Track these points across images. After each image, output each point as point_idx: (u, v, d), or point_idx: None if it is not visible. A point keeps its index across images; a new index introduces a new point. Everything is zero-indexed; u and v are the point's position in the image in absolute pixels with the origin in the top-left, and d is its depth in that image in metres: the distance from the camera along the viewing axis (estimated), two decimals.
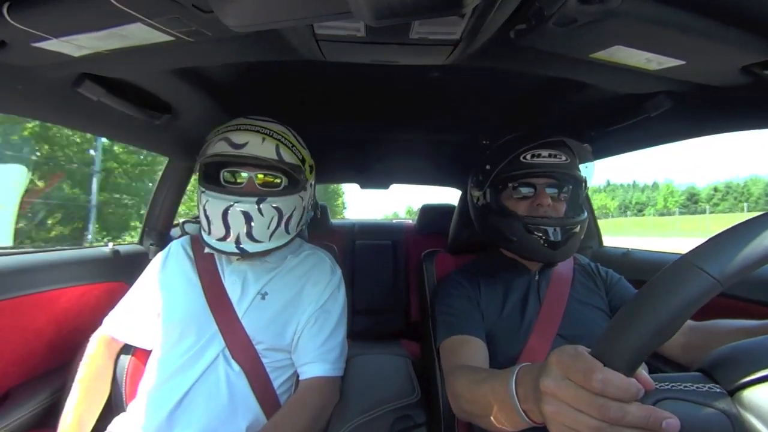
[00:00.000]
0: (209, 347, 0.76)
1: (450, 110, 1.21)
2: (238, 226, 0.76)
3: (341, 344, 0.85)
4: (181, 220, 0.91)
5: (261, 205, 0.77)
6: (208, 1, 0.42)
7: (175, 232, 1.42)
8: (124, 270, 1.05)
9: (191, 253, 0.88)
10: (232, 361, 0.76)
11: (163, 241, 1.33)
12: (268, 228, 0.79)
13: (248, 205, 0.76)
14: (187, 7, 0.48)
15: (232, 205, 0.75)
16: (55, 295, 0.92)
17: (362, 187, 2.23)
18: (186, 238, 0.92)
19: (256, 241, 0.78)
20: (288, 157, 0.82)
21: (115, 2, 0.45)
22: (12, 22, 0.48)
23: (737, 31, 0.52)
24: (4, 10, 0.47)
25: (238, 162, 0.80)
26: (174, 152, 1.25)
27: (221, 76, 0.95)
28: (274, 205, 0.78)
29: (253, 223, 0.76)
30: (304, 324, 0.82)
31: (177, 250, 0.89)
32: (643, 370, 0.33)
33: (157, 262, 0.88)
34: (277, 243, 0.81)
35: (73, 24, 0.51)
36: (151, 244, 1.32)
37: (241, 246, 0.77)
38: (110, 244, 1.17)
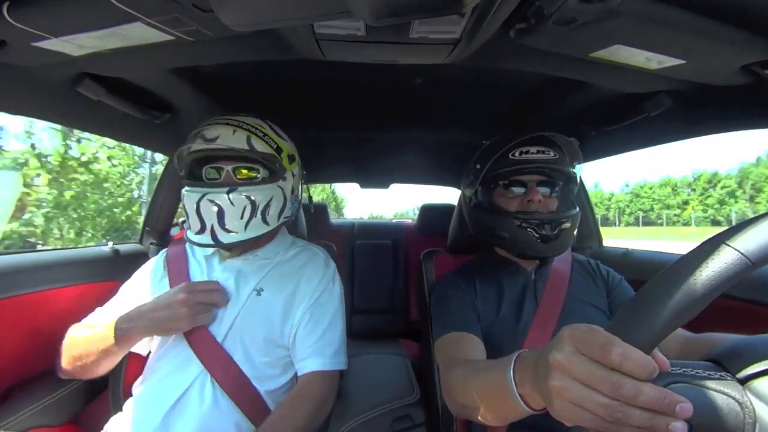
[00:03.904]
0: (192, 362, 0.75)
1: (450, 110, 1.21)
2: (210, 217, 0.76)
3: (339, 338, 0.84)
4: (181, 219, 0.91)
5: (230, 195, 0.76)
6: (208, 1, 0.42)
7: (175, 231, 1.42)
8: (124, 269, 1.04)
9: (165, 267, 0.87)
10: (213, 381, 0.74)
11: (163, 240, 1.33)
12: (242, 218, 0.78)
13: (218, 195, 0.76)
14: (187, 6, 0.48)
15: (202, 197, 0.76)
16: (55, 294, 0.92)
17: (362, 186, 2.23)
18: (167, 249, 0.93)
19: (229, 231, 0.77)
20: (260, 146, 0.81)
21: (115, 2, 0.45)
22: (12, 21, 0.48)
23: (737, 31, 0.52)
24: (4, 10, 0.47)
25: (213, 156, 0.81)
26: (174, 152, 1.24)
27: (221, 75, 0.95)
28: (245, 194, 0.78)
29: (225, 214, 0.76)
30: (299, 319, 0.81)
31: (159, 262, 0.90)
32: (658, 351, 0.32)
33: (147, 268, 0.88)
34: (253, 233, 0.80)
35: (73, 23, 0.51)
36: (151, 244, 1.31)
37: (216, 237, 0.77)
38: (110, 244, 1.17)
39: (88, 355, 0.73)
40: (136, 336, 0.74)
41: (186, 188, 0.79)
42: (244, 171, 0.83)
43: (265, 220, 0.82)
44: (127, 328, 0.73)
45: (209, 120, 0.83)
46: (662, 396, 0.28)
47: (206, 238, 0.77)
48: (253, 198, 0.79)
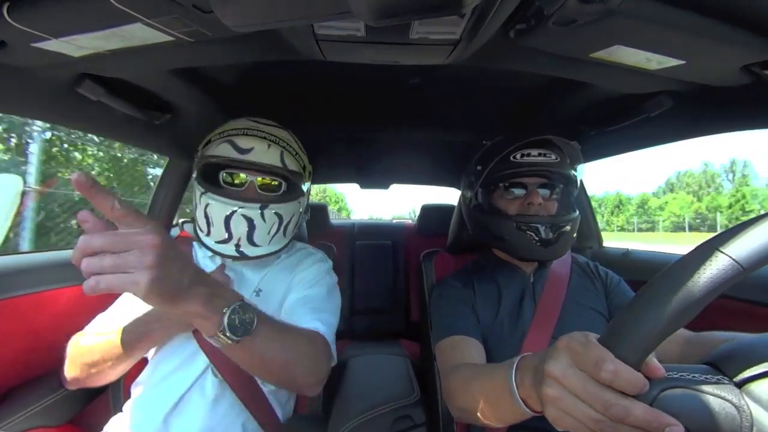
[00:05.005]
0: (196, 360, 0.75)
1: (450, 110, 1.21)
2: (240, 230, 0.76)
3: (331, 319, 0.79)
4: (181, 220, 0.91)
5: (264, 212, 0.78)
6: (209, 1, 0.42)
7: (174, 231, 1.42)
8: None
9: None
10: (219, 376, 0.73)
11: None
12: (269, 233, 0.80)
13: (252, 211, 0.77)
14: (187, 7, 0.48)
15: (235, 211, 0.76)
16: (55, 294, 0.92)
17: (362, 186, 2.23)
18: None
19: (256, 245, 0.78)
20: (291, 164, 0.83)
21: (115, 2, 0.45)
22: (12, 22, 0.48)
23: (737, 31, 0.52)
24: (4, 10, 0.47)
25: (241, 167, 0.80)
26: (174, 152, 1.25)
27: (221, 76, 0.95)
28: (276, 212, 0.79)
29: (255, 229, 0.77)
30: (293, 304, 0.80)
31: None
32: (653, 357, 0.32)
33: None
34: (275, 247, 0.82)
35: (73, 24, 0.51)
36: None
37: (241, 249, 0.77)
38: None
39: (105, 361, 0.72)
40: (159, 337, 0.73)
41: (211, 196, 0.77)
42: (266, 181, 0.83)
43: (285, 235, 0.85)
44: (147, 331, 0.71)
45: (237, 124, 0.81)
46: (652, 418, 0.29)
47: (230, 248, 0.77)
48: (281, 215, 0.80)
